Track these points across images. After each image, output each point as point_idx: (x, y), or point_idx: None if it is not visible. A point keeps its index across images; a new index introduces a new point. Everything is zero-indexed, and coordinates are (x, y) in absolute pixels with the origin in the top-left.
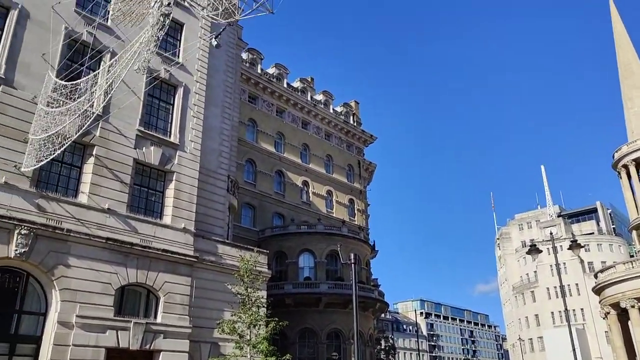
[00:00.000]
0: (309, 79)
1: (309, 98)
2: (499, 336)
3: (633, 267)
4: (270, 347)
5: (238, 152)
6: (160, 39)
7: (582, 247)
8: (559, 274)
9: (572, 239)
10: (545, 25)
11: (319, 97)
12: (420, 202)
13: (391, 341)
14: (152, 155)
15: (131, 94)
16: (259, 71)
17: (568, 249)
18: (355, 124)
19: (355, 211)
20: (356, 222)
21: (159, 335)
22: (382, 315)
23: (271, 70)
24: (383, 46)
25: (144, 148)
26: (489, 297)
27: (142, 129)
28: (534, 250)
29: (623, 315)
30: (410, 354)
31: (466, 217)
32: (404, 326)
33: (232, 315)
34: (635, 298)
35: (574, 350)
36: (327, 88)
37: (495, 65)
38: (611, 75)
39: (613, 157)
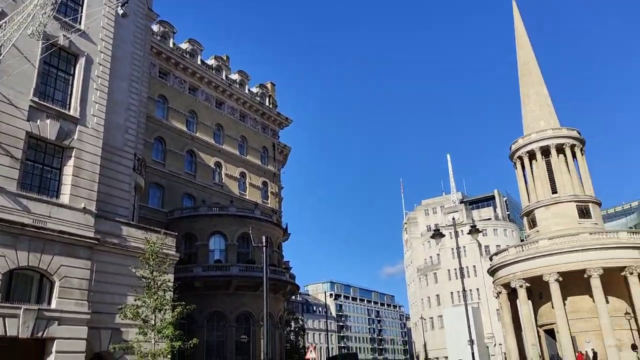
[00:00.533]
0: (224, 57)
1: (223, 77)
2: (403, 315)
3: (523, 250)
4: (176, 332)
5: (147, 129)
6: (59, 2)
7: (480, 232)
8: (459, 256)
9: (471, 225)
10: (458, 19)
11: (235, 76)
12: (333, 186)
13: (301, 322)
14: (48, 129)
15: (24, 60)
16: (171, 45)
17: (468, 233)
18: (271, 106)
19: (269, 194)
20: (269, 205)
21: (53, 322)
22: (293, 297)
23: (184, 46)
24: (303, 29)
25: (38, 121)
26: (396, 278)
27: (36, 99)
28: (437, 234)
29: (512, 295)
30: (319, 334)
31: (377, 202)
32: (314, 307)
33: (135, 300)
34: (523, 279)
35: (469, 327)
36: (243, 68)
37: (410, 51)
38: (514, 72)
39: (510, 148)
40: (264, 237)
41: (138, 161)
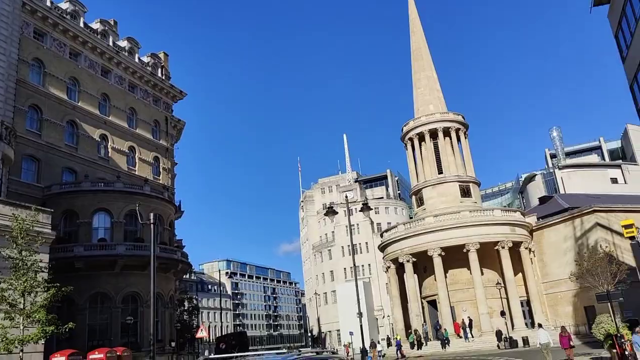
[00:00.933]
0: (112, 22)
1: (110, 43)
2: (298, 292)
3: (410, 227)
4: (49, 316)
5: (18, 95)
6: None
7: (372, 209)
8: (350, 234)
9: (363, 202)
10: (357, 3)
11: (123, 43)
12: (231, 163)
13: (195, 302)
14: None
15: None
16: (49, 4)
17: (360, 211)
18: (163, 78)
19: (161, 170)
20: (161, 181)
21: None
22: (187, 276)
23: (64, 6)
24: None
25: None
26: (292, 256)
27: None
28: (330, 212)
29: (400, 269)
30: (215, 313)
31: (275, 180)
32: (209, 286)
33: (0, 283)
34: (410, 254)
35: (358, 300)
36: (134, 35)
37: (311, 29)
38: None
39: (402, 130)
40: (151, 214)
41: (5, 130)
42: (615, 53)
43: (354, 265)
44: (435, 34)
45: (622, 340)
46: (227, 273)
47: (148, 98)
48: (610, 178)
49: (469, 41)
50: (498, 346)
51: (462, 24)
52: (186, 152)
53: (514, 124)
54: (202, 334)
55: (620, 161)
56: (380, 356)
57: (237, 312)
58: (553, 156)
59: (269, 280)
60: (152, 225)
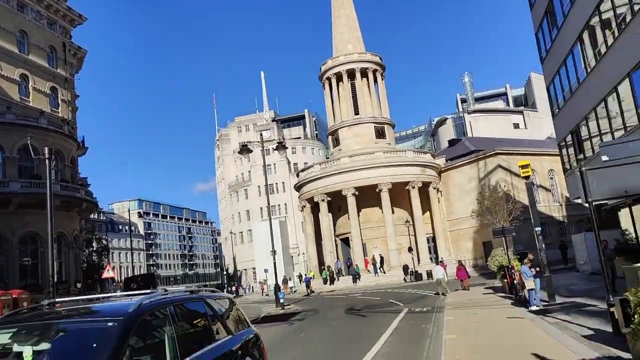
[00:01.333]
0: None
1: None
2: (215, 231)
3: (326, 167)
4: None
5: None
6: None
7: (287, 148)
8: (265, 173)
9: (279, 141)
10: None
11: None
12: (141, 98)
13: (105, 242)
14: None
15: None
16: None
17: (274, 149)
18: None
19: (59, 102)
20: (60, 115)
21: None
22: (94, 216)
23: None
24: None
25: None
26: (209, 195)
27: None
28: (244, 150)
29: (315, 208)
30: (126, 253)
31: (189, 117)
32: (120, 226)
33: None
34: (325, 193)
35: (272, 239)
36: None
37: None
38: None
39: (320, 69)
40: (46, 149)
41: None
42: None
43: (268, 204)
44: None
45: (512, 271)
46: (139, 213)
47: (41, 20)
48: (513, 123)
49: None
50: (404, 279)
51: None
52: (92, 84)
53: (430, 67)
54: (108, 274)
55: (523, 108)
56: (292, 292)
57: (151, 252)
58: (464, 101)
59: (184, 220)
60: (47, 160)
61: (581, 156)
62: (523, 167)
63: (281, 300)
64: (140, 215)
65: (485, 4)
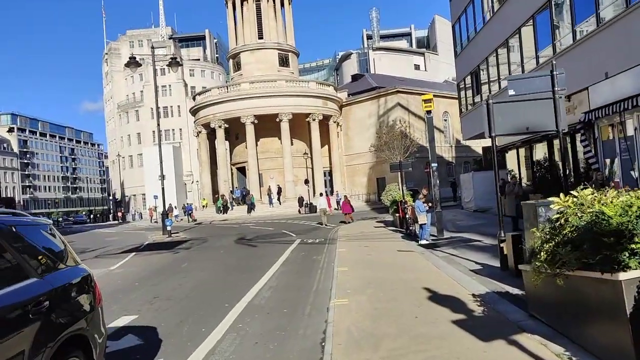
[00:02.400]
0: None
1: None
2: (102, 154)
3: (226, 92)
4: None
5: None
6: None
7: (181, 65)
8: (155, 93)
9: (172, 57)
10: None
11: None
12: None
13: None
14: None
15: None
16: None
17: (167, 65)
18: None
19: None
20: None
21: None
22: None
23: None
24: None
25: None
26: (97, 115)
27: None
28: (133, 63)
29: (212, 135)
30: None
31: (75, 25)
32: None
33: None
34: (223, 119)
35: (161, 163)
36: None
37: None
38: None
39: None
40: None
41: None
42: None
43: (158, 125)
44: None
45: (405, 205)
46: (12, 129)
47: None
48: (414, 64)
49: None
50: (299, 211)
51: None
52: None
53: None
54: None
55: (425, 50)
56: (178, 220)
57: (27, 172)
58: (369, 37)
59: (66, 140)
60: None
61: (478, 98)
62: (426, 101)
63: (168, 228)
64: (14, 131)
65: None
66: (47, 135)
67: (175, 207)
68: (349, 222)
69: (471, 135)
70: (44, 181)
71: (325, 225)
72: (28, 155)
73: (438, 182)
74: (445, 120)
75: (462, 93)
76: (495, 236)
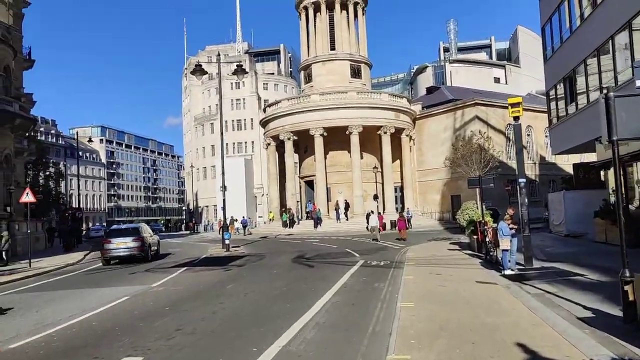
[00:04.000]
0: None
1: None
2: (181, 166)
3: (297, 103)
4: None
5: None
6: None
7: (247, 72)
8: (220, 106)
9: (237, 64)
10: None
11: None
12: (108, 18)
13: (62, 168)
14: None
15: None
16: None
17: (233, 74)
18: None
19: None
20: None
21: None
22: (54, 140)
23: None
24: None
25: None
26: (178, 129)
27: None
28: (198, 70)
29: (281, 147)
30: (85, 181)
31: (157, 43)
32: (81, 153)
33: None
34: (292, 132)
35: (223, 175)
36: None
37: None
38: None
39: None
40: None
41: None
42: None
43: (222, 136)
44: None
45: (485, 227)
46: (101, 140)
47: None
48: (494, 77)
49: None
50: (367, 228)
51: None
52: (57, 7)
53: (415, 10)
54: (27, 198)
55: (505, 62)
56: (237, 233)
57: (113, 182)
58: (446, 50)
59: (149, 152)
60: None
61: (573, 107)
62: (513, 105)
63: (227, 242)
64: (103, 142)
65: None
66: (132, 147)
67: (236, 220)
68: (403, 239)
69: (563, 149)
70: (128, 190)
71: (375, 240)
72: (114, 166)
73: (526, 200)
74: (529, 135)
75: (552, 103)
76: (603, 270)
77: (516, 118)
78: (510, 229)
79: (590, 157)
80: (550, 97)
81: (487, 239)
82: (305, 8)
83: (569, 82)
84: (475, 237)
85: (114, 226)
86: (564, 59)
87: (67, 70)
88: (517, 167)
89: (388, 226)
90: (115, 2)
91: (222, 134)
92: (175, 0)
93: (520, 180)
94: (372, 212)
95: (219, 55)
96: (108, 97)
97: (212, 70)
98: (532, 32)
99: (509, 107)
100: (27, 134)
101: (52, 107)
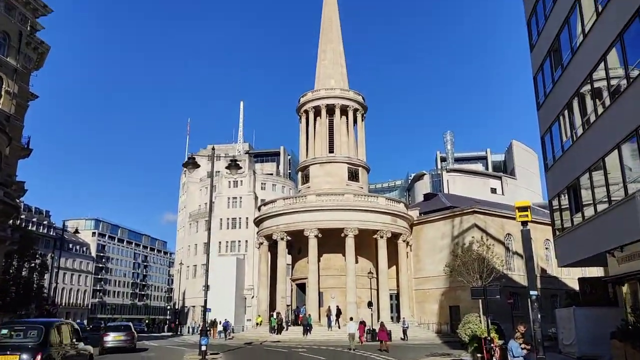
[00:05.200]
0: None
1: None
2: (172, 262)
3: (294, 203)
4: None
5: None
6: None
7: (240, 168)
8: (210, 198)
9: (231, 159)
10: None
11: None
12: (113, 114)
13: (50, 259)
14: None
15: None
16: None
17: (226, 168)
18: None
19: (3, 92)
20: (0, 107)
21: None
22: (45, 231)
23: None
24: None
25: None
26: (175, 226)
27: None
28: (190, 163)
29: (274, 247)
30: (72, 274)
31: (161, 142)
32: (71, 245)
33: None
34: (286, 231)
35: (206, 273)
36: None
37: None
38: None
39: (299, 101)
40: None
41: None
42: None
43: (209, 235)
44: (350, 9)
45: (492, 345)
46: (94, 233)
47: None
48: (491, 187)
49: (381, 23)
50: (360, 338)
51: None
52: (62, 95)
53: (413, 121)
54: None
55: (502, 173)
56: (220, 337)
57: (100, 276)
58: (443, 159)
59: (141, 247)
60: None
61: (579, 216)
62: (521, 209)
63: (203, 348)
64: (95, 236)
65: (474, 66)
66: (125, 242)
67: (220, 322)
68: (384, 350)
69: (570, 261)
70: (115, 286)
71: (354, 350)
72: (104, 260)
73: (539, 316)
74: None
75: (557, 214)
76: None
77: (524, 223)
78: (522, 349)
79: (593, 272)
80: (554, 207)
81: (494, 359)
82: (306, 112)
83: (574, 191)
84: (479, 355)
85: (110, 323)
86: (567, 167)
87: (68, 162)
88: (527, 277)
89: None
90: (123, 103)
91: (209, 228)
92: (181, 101)
93: (532, 293)
94: (352, 318)
95: (213, 149)
96: (109, 190)
97: (214, 168)
98: (526, 146)
99: (516, 210)
100: (10, 222)
101: (49, 197)
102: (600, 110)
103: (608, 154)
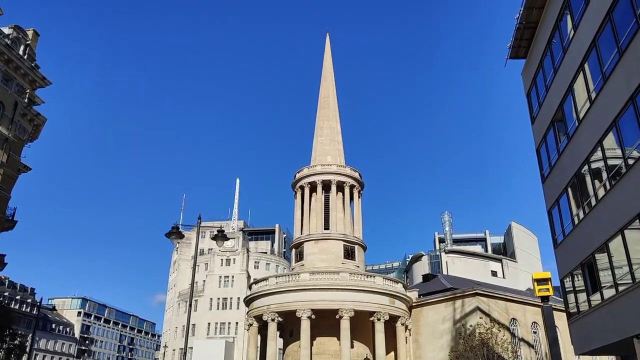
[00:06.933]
0: None
1: None
2: (159, 345)
3: (287, 281)
4: None
5: None
6: None
7: (227, 239)
8: (193, 274)
9: (218, 229)
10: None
11: None
12: (104, 186)
13: (29, 340)
14: None
15: None
16: None
17: (212, 239)
18: (24, 57)
19: None
20: None
21: None
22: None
23: None
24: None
25: None
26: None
27: None
28: (174, 232)
29: (263, 329)
30: (52, 357)
31: (155, 219)
32: (54, 325)
33: None
34: (277, 312)
35: (184, 355)
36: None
37: (222, 64)
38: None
39: (295, 177)
40: None
41: None
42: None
43: (189, 317)
44: (346, 86)
45: None
46: (79, 313)
47: None
48: (491, 270)
49: (379, 102)
50: None
51: (375, 82)
52: (55, 168)
53: (410, 203)
54: None
55: (502, 256)
56: None
57: (82, 359)
58: (441, 240)
59: (128, 329)
60: None
61: (597, 297)
62: (540, 281)
63: None
64: (80, 315)
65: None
66: (111, 322)
67: None
68: None
69: (588, 349)
70: None
71: None
72: (87, 342)
73: None
74: (535, 332)
75: (571, 295)
76: None
77: (544, 298)
78: None
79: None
80: (567, 288)
81: None
82: (302, 187)
83: (588, 269)
84: None
85: None
86: (581, 242)
87: (58, 237)
88: None
89: None
90: (119, 178)
91: (190, 305)
92: (177, 177)
93: None
94: None
95: (199, 218)
96: (98, 268)
97: (204, 245)
98: (525, 228)
99: (534, 283)
100: None
101: (35, 274)
102: (623, 170)
103: (630, 223)
